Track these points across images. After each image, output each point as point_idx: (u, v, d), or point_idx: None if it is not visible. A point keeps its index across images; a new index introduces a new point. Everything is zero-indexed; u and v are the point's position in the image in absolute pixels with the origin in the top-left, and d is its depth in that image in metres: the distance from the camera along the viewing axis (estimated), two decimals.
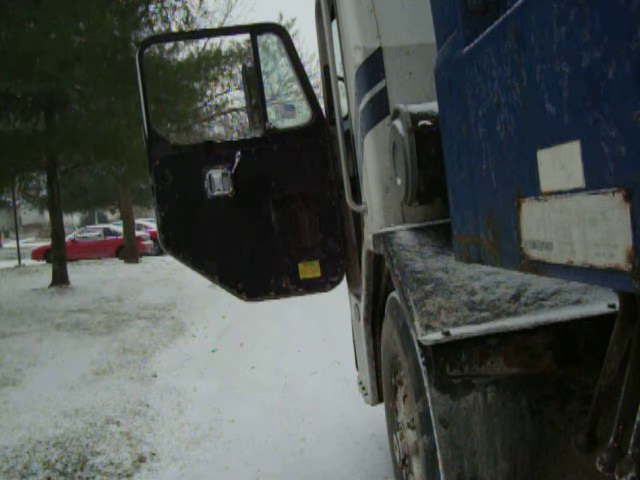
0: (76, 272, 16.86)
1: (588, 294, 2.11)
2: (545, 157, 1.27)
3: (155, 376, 7.04)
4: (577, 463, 2.07)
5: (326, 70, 3.82)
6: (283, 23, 15.90)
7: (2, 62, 10.96)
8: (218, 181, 3.66)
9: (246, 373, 6.91)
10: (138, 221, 27.51)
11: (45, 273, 16.67)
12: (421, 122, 2.36)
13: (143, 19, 13.42)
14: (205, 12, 16.01)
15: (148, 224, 28.81)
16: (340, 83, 3.36)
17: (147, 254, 24.63)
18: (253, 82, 3.76)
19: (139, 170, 16.08)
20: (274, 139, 3.74)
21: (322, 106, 3.90)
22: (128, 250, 21.92)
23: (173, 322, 10.53)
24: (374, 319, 3.32)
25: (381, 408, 3.51)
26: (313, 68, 18.11)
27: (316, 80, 10.93)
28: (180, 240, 3.78)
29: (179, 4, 13.68)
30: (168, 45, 14.61)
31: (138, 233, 24.12)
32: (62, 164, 15.87)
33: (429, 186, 2.38)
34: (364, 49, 2.77)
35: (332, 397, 5.60)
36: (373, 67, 2.76)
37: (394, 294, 2.66)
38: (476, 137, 1.60)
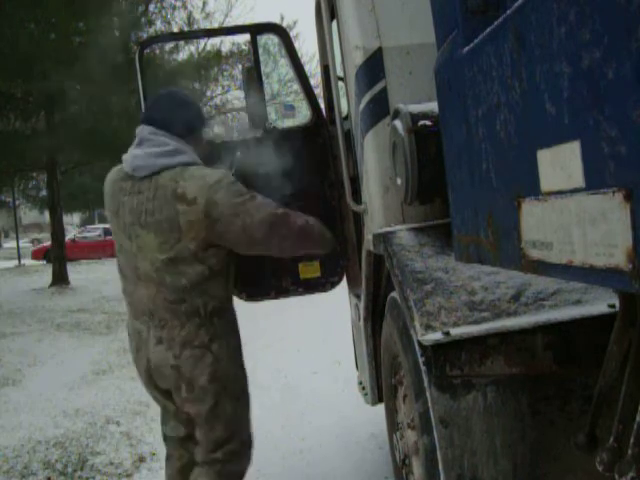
0: (76, 272, 16.86)
1: (588, 294, 2.11)
2: (545, 157, 1.27)
3: None
4: (577, 463, 2.07)
5: (326, 70, 3.81)
6: (284, 25, 15.87)
7: (2, 62, 10.96)
8: None
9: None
10: None
11: (45, 273, 16.66)
12: (421, 122, 2.35)
13: (143, 19, 13.43)
14: (208, 14, 16.05)
15: None
16: (340, 83, 3.36)
17: None
18: (253, 82, 3.75)
19: None
20: (274, 139, 3.73)
21: (322, 106, 3.90)
22: None
23: None
24: (374, 319, 3.31)
25: (381, 408, 3.50)
26: (313, 68, 18.11)
27: (316, 80, 10.91)
28: None
29: (179, 4, 13.70)
30: (168, 45, 14.63)
31: None
32: (62, 164, 15.87)
33: (429, 186, 2.38)
34: (364, 49, 2.77)
35: (332, 397, 5.60)
36: (373, 67, 2.75)
37: (394, 294, 2.66)
38: (476, 137, 1.60)
